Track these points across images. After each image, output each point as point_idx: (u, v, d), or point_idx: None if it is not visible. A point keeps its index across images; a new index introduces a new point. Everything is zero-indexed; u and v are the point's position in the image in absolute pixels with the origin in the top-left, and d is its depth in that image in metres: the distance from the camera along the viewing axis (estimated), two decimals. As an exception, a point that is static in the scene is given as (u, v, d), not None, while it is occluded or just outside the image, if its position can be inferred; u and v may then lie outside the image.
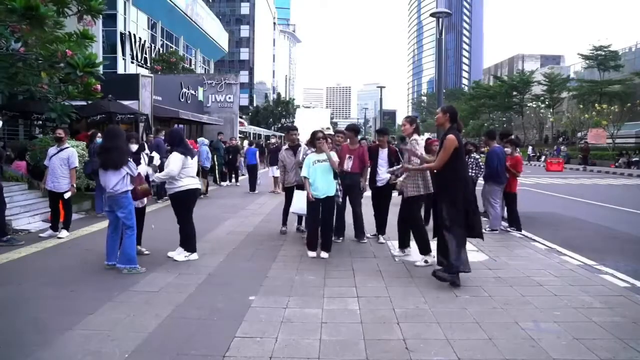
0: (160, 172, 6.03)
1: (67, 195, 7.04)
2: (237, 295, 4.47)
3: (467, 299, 4.39)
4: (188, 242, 5.77)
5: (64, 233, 7.03)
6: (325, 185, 5.96)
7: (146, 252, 5.95)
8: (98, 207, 8.60)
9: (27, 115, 11.17)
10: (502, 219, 8.27)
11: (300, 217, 7.54)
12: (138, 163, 5.92)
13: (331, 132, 8.59)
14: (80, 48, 8.84)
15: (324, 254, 5.91)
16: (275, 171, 11.26)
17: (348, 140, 7.02)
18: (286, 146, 7.79)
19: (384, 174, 6.82)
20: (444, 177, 4.90)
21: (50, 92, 9.69)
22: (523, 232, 7.77)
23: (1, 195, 6.73)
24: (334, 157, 6.12)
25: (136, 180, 5.54)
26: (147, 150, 6.71)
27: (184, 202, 5.71)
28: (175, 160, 5.56)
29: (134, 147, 5.97)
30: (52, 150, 7.17)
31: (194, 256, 5.76)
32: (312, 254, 5.94)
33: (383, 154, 6.91)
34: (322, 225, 6.02)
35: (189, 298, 4.38)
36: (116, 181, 5.19)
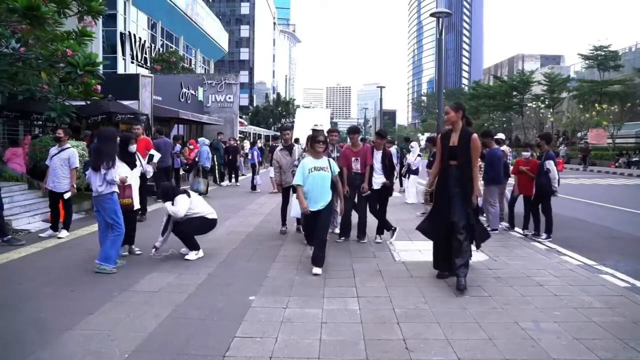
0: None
1: (67, 196, 7.03)
2: (237, 295, 4.47)
3: (467, 299, 4.39)
4: (193, 243, 5.87)
5: (64, 233, 7.03)
6: (321, 196, 5.30)
7: (138, 252, 6.00)
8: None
9: (27, 115, 11.16)
10: (502, 219, 8.29)
11: (299, 218, 7.53)
12: (134, 165, 5.91)
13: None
14: (79, 46, 8.83)
15: (316, 270, 5.17)
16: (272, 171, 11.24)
17: (349, 141, 7.02)
18: (280, 146, 7.78)
19: (378, 177, 6.79)
20: (463, 177, 4.76)
21: (50, 92, 9.69)
22: (523, 231, 7.77)
23: None
24: (335, 165, 5.63)
25: (120, 192, 5.47)
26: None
27: (206, 228, 6.02)
28: (182, 201, 5.76)
29: (133, 148, 5.97)
30: (53, 150, 7.17)
31: (201, 252, 5.88)
32: (317, 270, 5.20)
33: (377, 155, 6.88)
34: (315, 239, 5.34)
35: (189, 298, 4.38)
36: (100, 182, 5.21)
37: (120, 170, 5.52)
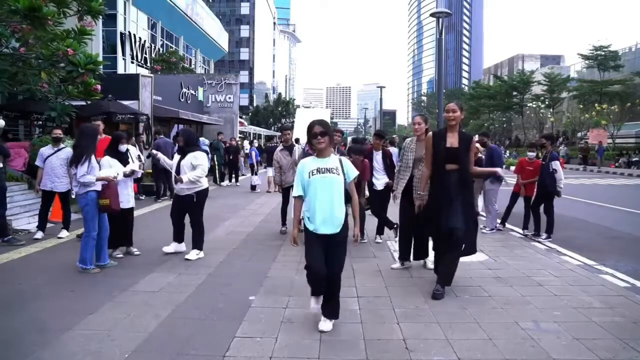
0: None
1: (73, 195, 6.95)
2: (237, 295, 4.47)
3: (467, 299, 4.39)
4: (202, 240, 5.90)
5: (64, 233, 7.02)
6: (330, 211, 3.54)
7: (137, 253, 5.98)
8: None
9: (27, 115, 11.18)
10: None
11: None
12: (127, 163, 5.87)
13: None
14: (79, 45, 8.83)
15: (324, 325, 3.63)
16: (270, 171, 11.23)
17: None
18: (281, 146, 7.76)
19: (381, 177, 6.77)
20: (466, 181, 4.57)
21: (50, 92, 9.70)
22: (523, 231, 7.77)
23: (3, 196, 6.73)
24: (350, 167, 3.75)
25: (101, 192, 5.23)
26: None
27: (204, 200, 5.95)
28: (204, 159, 5.79)
29: (124, 148, 5.90)
30: (46, 150, 6.99)
31: (202, 253, 5.88)
32: (315, 304, 3.78)
33: (377, 156, 6.84)
34: (327, 280, 3.68)
35: (189, 298, 4.38)
36: (75, 182, 5.22)
37: (112, 169, 5.44)
